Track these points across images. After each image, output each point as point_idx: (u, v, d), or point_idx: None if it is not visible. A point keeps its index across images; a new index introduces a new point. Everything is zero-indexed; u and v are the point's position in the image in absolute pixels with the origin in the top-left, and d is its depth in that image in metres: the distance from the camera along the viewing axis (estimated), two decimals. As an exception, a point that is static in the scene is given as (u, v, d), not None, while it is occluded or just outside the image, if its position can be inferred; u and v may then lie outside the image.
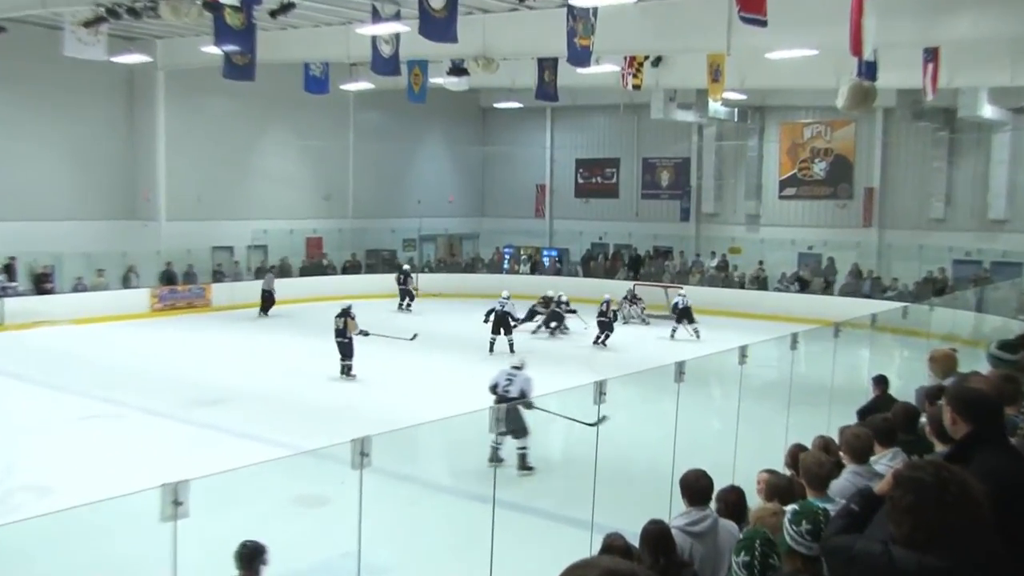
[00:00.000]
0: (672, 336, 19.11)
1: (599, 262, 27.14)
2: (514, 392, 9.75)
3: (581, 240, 28.82)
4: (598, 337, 18.23)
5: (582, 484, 6.53)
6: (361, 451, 4.37)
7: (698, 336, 18.79)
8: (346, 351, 14.52)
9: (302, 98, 19.53)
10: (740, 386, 7.64)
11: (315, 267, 25.38)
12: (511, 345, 16.89)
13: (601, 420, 6.38)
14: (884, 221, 24.34)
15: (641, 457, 9.61)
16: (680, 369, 6.77)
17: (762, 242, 25.69)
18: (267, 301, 21.97)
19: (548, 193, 30.73)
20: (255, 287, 22.81)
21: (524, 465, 9.67)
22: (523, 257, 28.50)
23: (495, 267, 28.08)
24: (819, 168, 25.32)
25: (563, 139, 30.52)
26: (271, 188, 25.10)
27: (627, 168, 29.14)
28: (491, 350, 16.91)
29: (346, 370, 14.52)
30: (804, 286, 23.28)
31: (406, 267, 24.38)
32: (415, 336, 16.00)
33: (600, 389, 5.88)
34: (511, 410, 8.90)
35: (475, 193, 31.88)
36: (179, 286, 22.12)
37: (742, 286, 24.24)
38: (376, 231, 27.46)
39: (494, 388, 10.03)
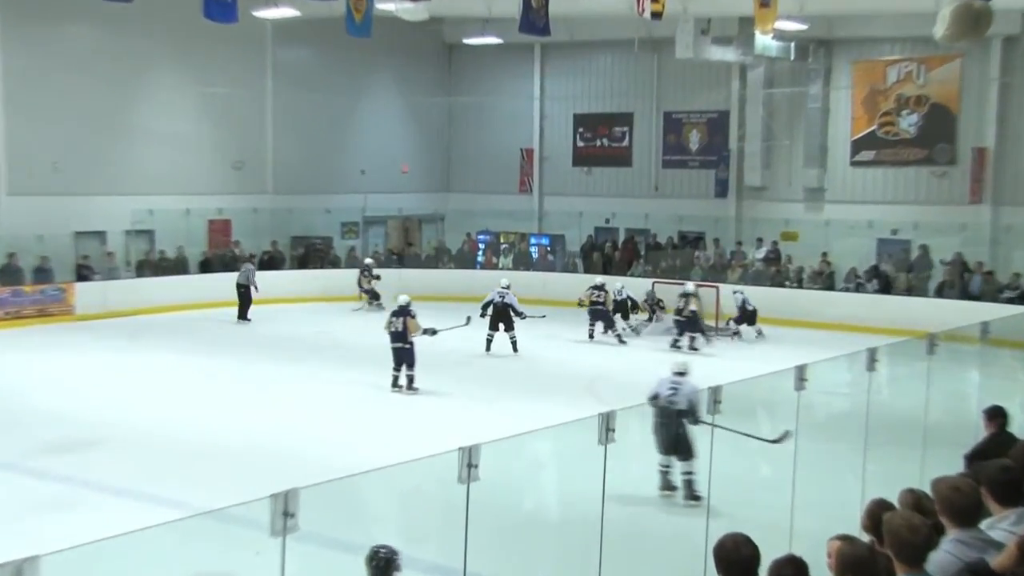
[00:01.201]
0: (735, 336, 21.09)
1: (605, 253, 27.58)
2: (681, 403, 10.31)
3: (581, 224, 29.18)
4: (681, 340, 20.15)
5: (582, 550, 6.62)
6: (284, 510, 4.34)
7: (760, 335, 20.57)
8: (408, 359, 15.70)
9: (201, 29, 19.61)
10: (798, 419, 7.71)
11: (221, 260, 25.53)
12: (514, 344, 19.01)
13: (784, 436, 7.15)
14: (1000, 195, 24.34)
15: (661, 515, 9.89)
16: (715, 396, 6.84)
17: (827, 225, 25.99)
18: (244, 301, 22.59)
19: (537, 161, 31.16)
20: (139, 288, 22.75)
21: (692, 494, 10.25)
22: (503, 247, 28.80)
23: (465, 260, 28.33)
24: (908, 123, 25.44)
25: (557, 87, 30.90)
26: (158, 153, 25.09)
27: (643, 126, 29.50)
28: (488, 348, 19.08)
29: (408, 383, 15.72)
30: (886, 284, 23.66)
31: (369, 261, 25.60)
32: (469, 320, 17.80)
33: (606, 424, 5.95)
34: (678, 427, 9.85)
35: (439, 161, 32.14)
36: (26, 287, 21.92)
37: (799, 284, 24.68)
38: (305, 212, 27.81)
39: (655, 399, 10.68)
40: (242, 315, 22.70)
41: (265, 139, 27.57)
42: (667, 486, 10.30)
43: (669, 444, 10.31)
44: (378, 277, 24.60)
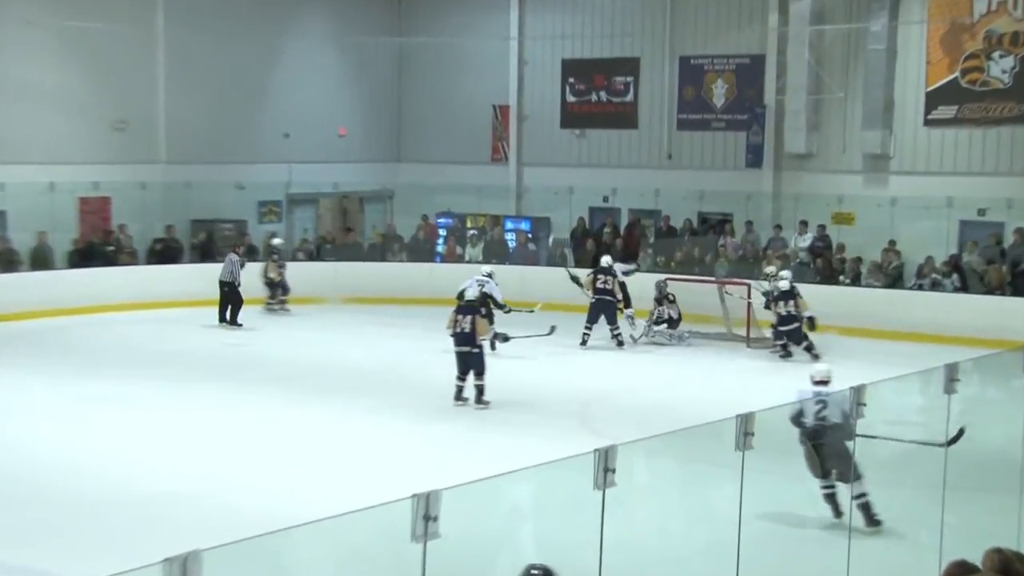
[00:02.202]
0: (784, 351, 21.22)
1: (603, 241, 27.57)
2: (834, 416, 11.13)
3: (572, 202, 29.23)
4: (787, 345, 21.13)
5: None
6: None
7: (813, 355, 20.37)
8: (477, 366, 16.92)
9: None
10: (854, 456, 7.52)
11: (95, 251, 25.43)
12: (492, 343, 19.51)
13: (959, 435, 7.90)
14: None
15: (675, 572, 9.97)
16: (745, 427, 6.98)
17: (893, 204, 26.09)
18: (231, 302, 23.69)
19: (514, 121, 31.29)
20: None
21: (871, 518, 11.07)
22: (471, 233, 28.82)
23: (421, 251, 28.36)
24: (1000, 69, 25.34)
25: (541, 25, 30.98)
26: (9, 111, 24.96)
27: (652, 75, 29.63)
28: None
29: (478, 394, 16.89)
30: (968, 281, 23.78)
31: (277, 242, 26.24)
32: (553, 329, 19.95)
33: (604, 463, 6.07)
34: (835, 443, 10.84)
35: (386, 122, 32.25)
36: None
37: (856, 281, 24.77)
38: (209, 187, 27.71)
39: (800, 418, 11.49)
40: (229, 318, 23.62)
41: (155, 92, 27.38)
42: (837, 512, 11.12)
43: (828, 464, 11.27)
44: (282, 265, 25.56)
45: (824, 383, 11.86)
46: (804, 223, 26.74)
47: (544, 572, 6.33)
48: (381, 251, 28.52)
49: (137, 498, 12.51)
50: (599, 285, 21.76)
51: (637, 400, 17.88)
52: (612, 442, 6.30)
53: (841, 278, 24.93)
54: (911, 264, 24.71)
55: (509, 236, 28.86)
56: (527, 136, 31.17)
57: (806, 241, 26.22)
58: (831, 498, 11.21)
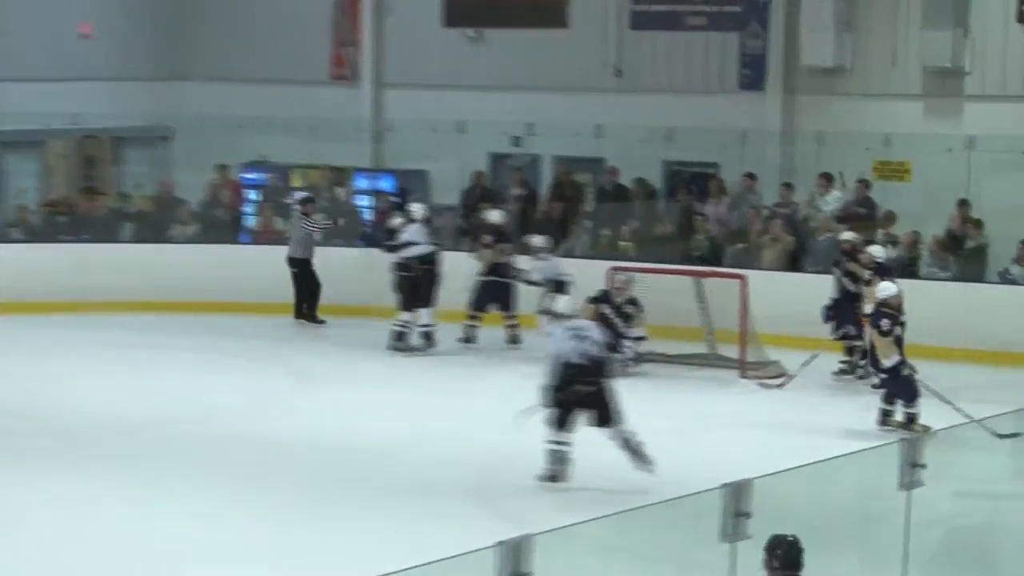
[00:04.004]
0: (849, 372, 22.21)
1: (515, 208, 27.82)
2: (595, 351, 14.56)
3: (464, 147, 29.78)
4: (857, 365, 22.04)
5: None
6: None
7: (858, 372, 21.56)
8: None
9: None
10: (907, 543, 8.13)
11: None
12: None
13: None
14: None
15: None
16: (734, 503, 7.37)
17: (970, 146, 26.28)
18: (306, 285, 25.83)
19: (369, 16, 31.93)
20: None
21: (643, 457, 14.50)
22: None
23: (217, 225, 28.45)
24: None
25: None
26: None
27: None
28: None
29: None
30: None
31: None
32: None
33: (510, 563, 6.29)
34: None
35: (161, 16, 32.40)
36: None
37: (911, 269, 24.77)
38: None
39: (567, 369, 13.79)
40: (307, 313, 25.70)
41: None
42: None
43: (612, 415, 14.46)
44: None
45: (572, 317, 15.02)
46: (828, 177, 26.93)
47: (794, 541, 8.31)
48: (148, 224, 28.62)
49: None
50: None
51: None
52: (525, 530, 6.54)
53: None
54: (998, 242, 24.91)
55: (362, 201, 28.98)
56: (391, 41, 31.47)
57: (833, 203, 26.43)
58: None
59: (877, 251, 21.96)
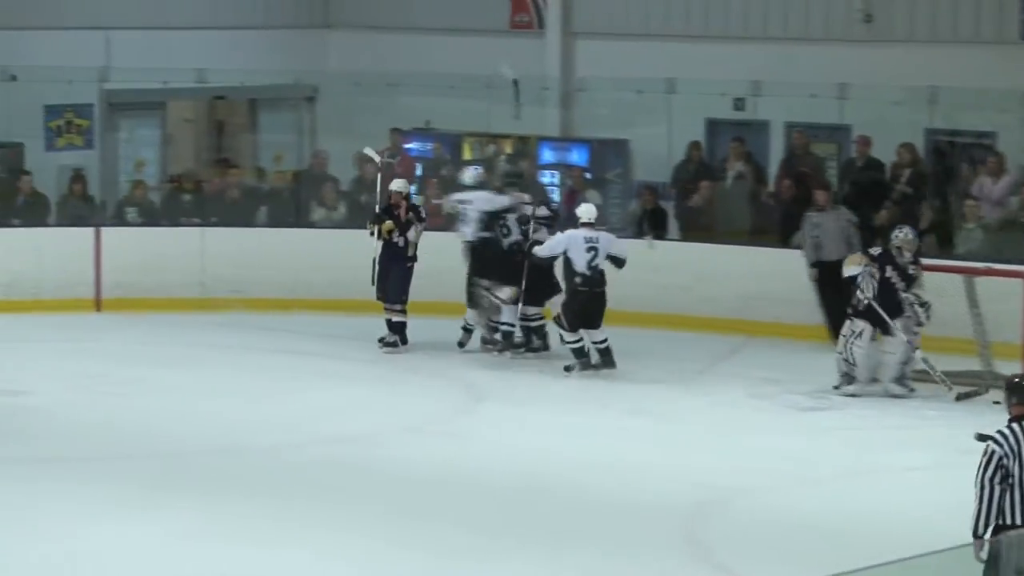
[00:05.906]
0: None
1: (735, 183, 26.93)
2: (603, 264, 21.06)
3: (672, 114, 28.37)
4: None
5: None
6: None
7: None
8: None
9: None
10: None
11: None
12: (607, 358, 21.90)
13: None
14: None
15: None
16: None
17: None
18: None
19: None
20: None
21: (611, 361, 20.86)
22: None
23: (370, 210, 26.83)
24: None
25: None
26: None
27: None
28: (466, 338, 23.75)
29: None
30: None
31: None
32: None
33: None
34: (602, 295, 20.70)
35: None
36: None
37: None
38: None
39: (570, 267, 20.86)
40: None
41: None
42: (610, 362, 20.58)
43: (599, 319, 20.89)
44: None
45: (591, 225, 20.21)
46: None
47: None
48: (292, 203, 27.36)
49: None
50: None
51: (772, 504, 16.93)
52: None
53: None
54: None
55: (547, 177, 27.48)
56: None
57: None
58: (606, 351, 20.80)
59: None
